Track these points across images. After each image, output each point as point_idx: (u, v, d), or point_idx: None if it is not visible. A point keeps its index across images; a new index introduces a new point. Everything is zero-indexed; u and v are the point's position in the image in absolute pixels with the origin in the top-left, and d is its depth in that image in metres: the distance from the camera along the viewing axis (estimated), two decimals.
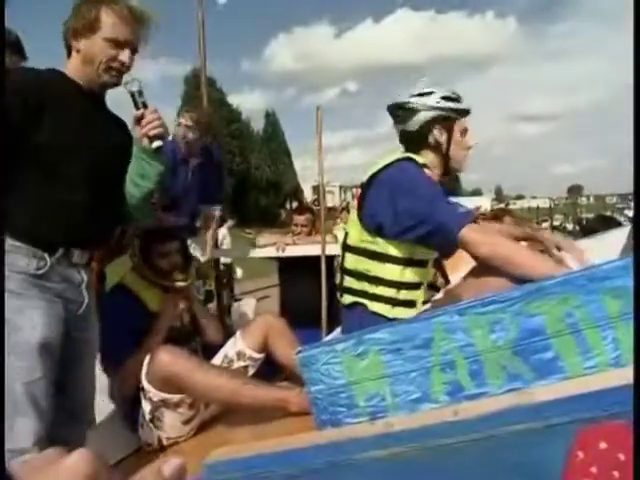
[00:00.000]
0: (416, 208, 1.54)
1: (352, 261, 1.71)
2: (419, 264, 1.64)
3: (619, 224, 3.46)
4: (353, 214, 1.74)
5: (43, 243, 1.45)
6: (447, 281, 1.79)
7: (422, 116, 1.72)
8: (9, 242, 1.39)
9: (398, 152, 1.76)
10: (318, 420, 1.33)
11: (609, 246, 1.74)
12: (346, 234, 1.76)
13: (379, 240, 1.63)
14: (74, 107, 1.49)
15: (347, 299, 1.72)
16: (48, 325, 1.42)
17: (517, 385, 1.13)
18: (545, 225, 22.96)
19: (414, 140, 1.75)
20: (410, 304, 1.64)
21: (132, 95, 1.49)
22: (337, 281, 1.79)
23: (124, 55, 1.47)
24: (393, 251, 1.62)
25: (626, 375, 1.04)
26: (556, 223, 21.87)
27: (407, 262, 1.62)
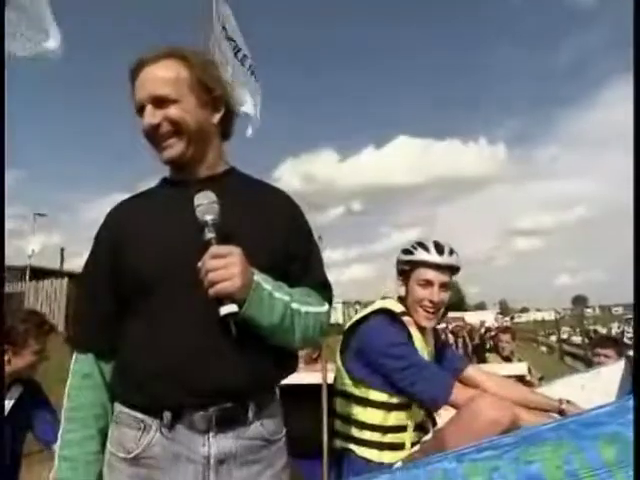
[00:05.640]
0: (396, 376, 1.54)
1: (340, 404, 1.69)
2: (402, 407, 1.60)
3: (618, 344, 3.43)
4: (337, 359, 1.72)
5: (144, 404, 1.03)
6: (434, 422, 1.73)
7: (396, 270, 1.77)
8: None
9: (380, 301, 1.74)
10: None
11: (607, 381, 1.74)
12: (335, 377, 1.75)
13: (359, 385, 1.62)
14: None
15: (337, 444, 1.68)
16: None
17: None
18: (553, 338, 22.52)
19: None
20: (398, 447, 1.59)
21: (203, 225, 1.02)
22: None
23: (146, 115, 1.09)
24: (374, 395, 1.60)
25: None
26: (564, 336, 21.46)
27: (389, 406, 1.59)
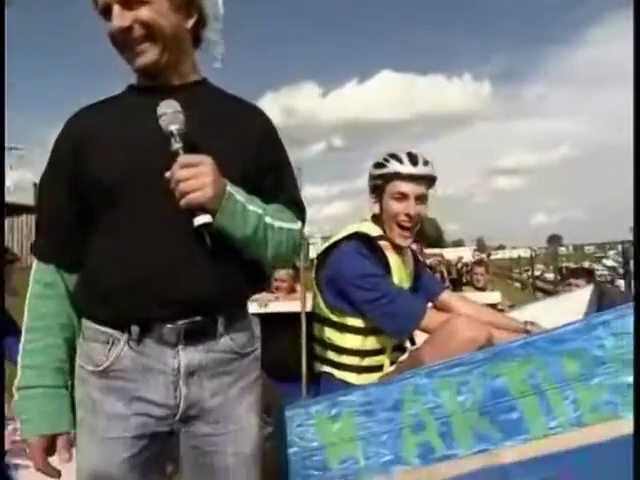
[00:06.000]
0: (365, 307, 1.53)
1: (318, 329, 1.70)
2: (380, 331, 1.59)
3: (590, 274, 3.53)
4: (313, 284, 1.70)
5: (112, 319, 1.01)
6: (412, 342, 1.76)
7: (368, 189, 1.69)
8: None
9: (356, 224, 1.69)
10: None
11: (575, 305, 1.81)
12: (313, 304, 1.74)
13: (335, 311, 1.62)
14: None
15: (316, 367, 1.71)
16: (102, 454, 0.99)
17: (485, 446, 1.15)
18: (526, 275, 23.19)
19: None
20: (376, 369, 1.62)
21: (169, 135, 0.96)
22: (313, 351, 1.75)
23: (114, 17, 0.98)
24: (351, 321, 1.60)
25: (586, 436, 1.08)
26: (537, 273, 22.10)
27: (366, 330, 1.60)
